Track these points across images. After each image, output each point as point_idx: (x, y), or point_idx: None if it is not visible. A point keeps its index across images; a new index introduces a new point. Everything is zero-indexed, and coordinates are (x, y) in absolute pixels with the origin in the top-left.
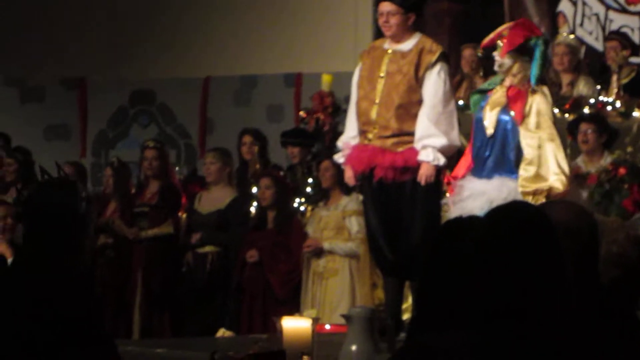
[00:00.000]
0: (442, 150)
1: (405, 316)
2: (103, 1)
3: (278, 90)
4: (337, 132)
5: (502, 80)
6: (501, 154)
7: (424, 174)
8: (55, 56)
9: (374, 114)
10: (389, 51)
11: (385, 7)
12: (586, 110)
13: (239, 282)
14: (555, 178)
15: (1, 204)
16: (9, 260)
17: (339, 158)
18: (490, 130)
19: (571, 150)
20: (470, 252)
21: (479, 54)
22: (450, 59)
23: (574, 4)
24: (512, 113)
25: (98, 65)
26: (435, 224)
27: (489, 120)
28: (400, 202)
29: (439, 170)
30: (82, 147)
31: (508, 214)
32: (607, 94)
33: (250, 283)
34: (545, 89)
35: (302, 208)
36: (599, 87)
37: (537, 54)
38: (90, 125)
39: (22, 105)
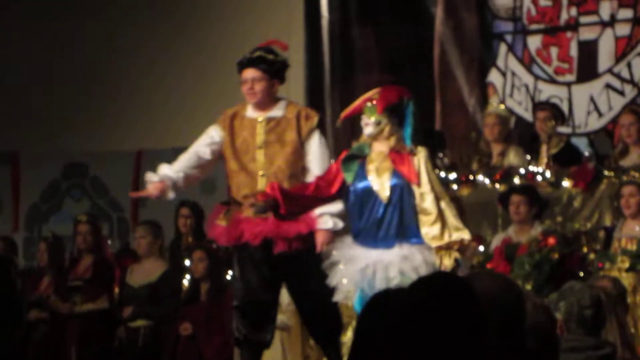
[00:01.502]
0: (339, 215)
1: None
2: (35, 74)
3: None
4: None
5: (371, 146)
6: (391, 220)
7: (323, 242)
8: None
9: (261, 186)
10: (260, 119)
11: (250, 73)
12: (517, 180)
13: (173, 355)
14: (460, 232)
15: None
16: None
17: (152, 177)
18: (385, 194)
19: (502, 220)
20: (396, 324)
21: (338, 125)
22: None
23: (504, 74)
24: (402, 176)
25: (30, 139)
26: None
27: (381, 185)
28: (301, 270)
29: None
30: (14, 221)
31: (433, 286)
32: (537, 164)
33: (184, 356)
34: (422, 148)
35: None
36: (529, 157)
37: (409, 114)
38: (22, 199)
39: None
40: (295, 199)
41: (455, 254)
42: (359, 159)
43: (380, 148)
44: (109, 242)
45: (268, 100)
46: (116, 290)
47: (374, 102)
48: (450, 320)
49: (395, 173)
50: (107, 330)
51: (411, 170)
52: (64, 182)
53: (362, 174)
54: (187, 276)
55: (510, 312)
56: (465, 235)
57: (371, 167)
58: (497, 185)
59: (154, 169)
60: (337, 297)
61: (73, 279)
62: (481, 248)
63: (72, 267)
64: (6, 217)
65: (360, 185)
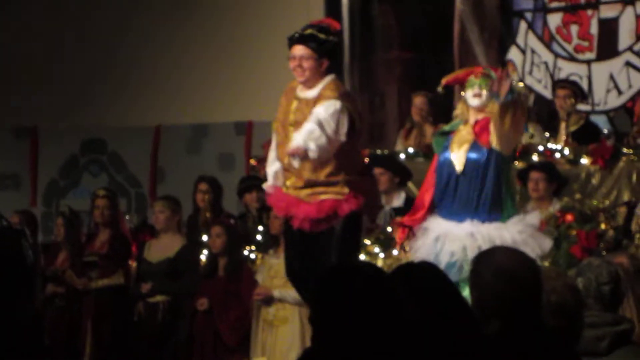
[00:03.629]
0: (315, 140)
1: None
2: (53, 50)
3: (229, 139)
4: None
5: (465, 122)
6: (467, 194)
7: (293, 150)
8: (6, 105)
9: (287, 163)
10: (296, 97)
11: (298, 50)
12: (535, 157)
13: (190, 331)
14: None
15: None
16: None
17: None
18: (459, 168)
19: (520, 197)
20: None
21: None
22: (354, 101)
23: (523, 52)
24: (482, 148)
25: (48, 114)
26: None
27: (457, 157)
28: (317, 250)
29: (358, 216)
30: (32, 196)
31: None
32: (556, 141)
33: (200, 331)
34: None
35: (252, 256)
36: (547, 134)
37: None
38: (41, 174)
39: None
40: None
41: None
42: (450, 133)
43: (470, 120)
44: (127, 217)
45: (315, 79)
46: (132, 265)
47: (495, 77)
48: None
49: (476, 146)
50: (123, 306)
51: (488, 139)
52: (83, 158)
53: (447, 146)
54: (205, 251)
55: (527, 287)
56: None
57: (455, 139)
58: (516, 163)
59: (172, 144)
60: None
61: (89, 254)
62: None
63: (88, 242)
64: (24, 192)
65: (442, 156)
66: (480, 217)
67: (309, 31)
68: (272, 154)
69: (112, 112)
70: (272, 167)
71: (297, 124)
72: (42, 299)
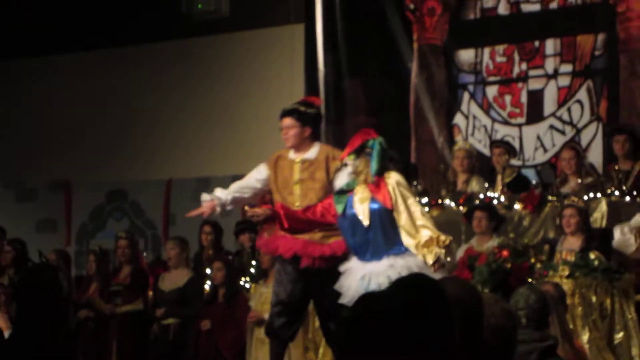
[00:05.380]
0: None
1: None
2: (84, 117)
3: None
4: None
5: (357, 181)
6: (377, 240)
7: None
8: (44, 163)
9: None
10: (297, 160)
11: (285, 122)
12: (477, 203)
13: (195, 347)
14: (431, 232)
15: None
16: (5, 332)
17: (205, 197)
18: (366, 222)
19: (465, 235)
20: (374, 318)
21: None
22: None
23: (466, 117)
24: (380, 202)
25: (80, 170)
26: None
27: (363, 213)
28: (324, 284)
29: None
30: (67, 237)
31: (404, 284)
32: (494, 191)
33: (204, 348)
34: (392, 173)
35: (247, 286)
36: (487, 185)
37: (375, 152)
38: (73, 219)
39: (17, 204)
40: (301, 220)
41: (435, 250)
42: (349, 192)
43: (362, 181)
44: (144, 254)
45: (302, 144)
46: (150, 294)
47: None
48: (420, 314)
49: (374, 200)
50: (142, 327)
51: (386, 197)
52: (108, 206)
53: (350, 204)
54: (208, 282)
55: (472, 312)
56: (434, 234)
57: (356, 198)
58: (461, 208)
59: (181, 194)
60: (344, 300)
61: (114, 285)
62: (448, 259)
63: (114, 275)
64: (60, 234)
65: (350, 212)
66: (394, 252)
67: (292, 106)
68: (237, 184)
69: (132, 168)
70: (232, 187)
71: (303, 181)
72: (76, 322)
